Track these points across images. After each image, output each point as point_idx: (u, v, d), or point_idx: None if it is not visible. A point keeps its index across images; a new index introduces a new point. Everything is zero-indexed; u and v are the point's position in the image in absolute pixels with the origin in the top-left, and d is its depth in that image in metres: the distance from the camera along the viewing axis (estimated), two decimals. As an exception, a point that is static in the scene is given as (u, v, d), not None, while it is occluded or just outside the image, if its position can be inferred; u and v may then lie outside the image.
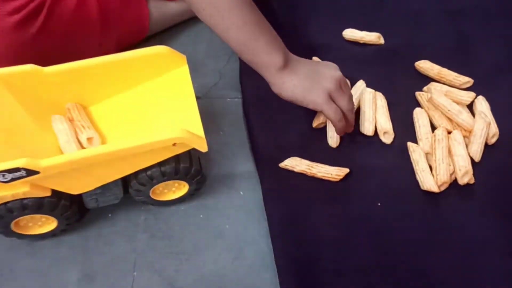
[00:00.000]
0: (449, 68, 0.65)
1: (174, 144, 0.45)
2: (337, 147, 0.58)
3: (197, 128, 0.48)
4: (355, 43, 0.71)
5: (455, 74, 0.65)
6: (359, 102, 0.61)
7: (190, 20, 0.74)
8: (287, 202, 0.54)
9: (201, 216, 0.54)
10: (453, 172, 0.55)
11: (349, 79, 0.62)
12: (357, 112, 0.61)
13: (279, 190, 0.55)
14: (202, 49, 0.72)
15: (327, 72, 0.54)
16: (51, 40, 0.59)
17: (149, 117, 0.52)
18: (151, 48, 0.51)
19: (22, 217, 0.46)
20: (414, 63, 0.68)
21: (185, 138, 0.44)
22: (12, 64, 0.50)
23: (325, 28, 0.73)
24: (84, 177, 0.46)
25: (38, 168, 0.41)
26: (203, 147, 0.46)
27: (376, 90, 0.63)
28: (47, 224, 0.49)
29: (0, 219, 0.46)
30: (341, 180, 0.55)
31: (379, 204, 0.54)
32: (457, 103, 0.60)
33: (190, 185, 0.52)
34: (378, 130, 0.60)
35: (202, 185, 0.53)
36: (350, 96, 0.56)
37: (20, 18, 0.55)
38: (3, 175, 0.41)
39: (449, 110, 0.58)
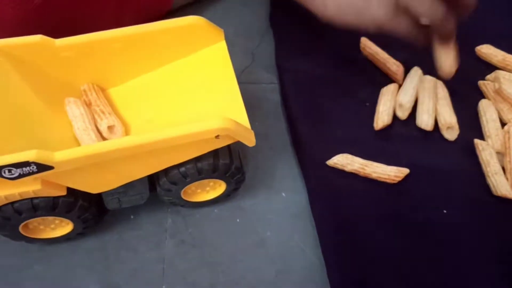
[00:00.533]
0: (516, 55, 0.58)
1: (217, 137, 0.37)
2: (392, 142, 0.50)
3: (241, 116, 0.40)
4: None
5: None
6: (416, 92, 0.53)
7: None
8: (338, 208, 0.46)
9: (237, 220, 0.46)
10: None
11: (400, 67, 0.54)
12: (415, 103, 0.53)
13: (328, 192, 0.46)
14: (232, 27, 0.62)
15: None
16: (58, 13, 0.50)
17: (182, 102, 0.44)
18: (183, 18, 0.42)
19: (32, 219, 0.39)
20: (474, 48, 0.60)
21: (231, 129, 0.36)
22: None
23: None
24: (105, 174, 0.38)
25: (52, 163, 0.34)
26: (250, 140, 0.38)
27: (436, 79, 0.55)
28: (61, 227, 0.42)
29: (6, 221, 0.38)
30: (399, 182, 0.47)
31: (445, 211, 0.46)
32: (529, 95, 0.52)
33: (228, 184, 0.44)
34: (440, 125, 0.52)
35: (241, 185, 0.46)
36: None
37: None
38: (9, 171, 0.33)
39: None
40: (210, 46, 0.44)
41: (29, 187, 0.36)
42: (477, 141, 0.50)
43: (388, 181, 0.47)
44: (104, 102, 0.43)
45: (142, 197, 0.43)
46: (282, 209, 0.47)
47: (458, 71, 0.56)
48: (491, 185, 0.47)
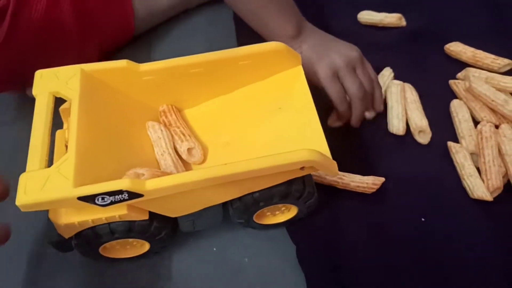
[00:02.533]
0: (485, 50, 0.55)
1: (301, 168, 0.36)
2: (365, 150, 0.49)
3: (321, 144, 0.39)
4: (373, 27, 0.61)
5: (493, 56, 0.55)
6: (385, 95, 0.52)
7: (181, 13, 0.64)
8: (315, 223, 0.44)
9: (214, 249, 0.44)
10: (505, 174, 0.45)
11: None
12: (385, 107, 0.52)
13: None
14: (201, 43, 0.61)
15: (342, 48, 0.49)
16: (19, 52, 0.49)
17: (258, 125, 0.43)
18: (264, 44, 0.42)
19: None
20: (443, 46, 0.58)
21: (317, 162, 0.35)
22: None
23: (338, 13, 0.63)
24: (187, 200, 0.38)
25: (142, 191, 0.34)
26: (334, 171, 0.38)
27: (403, 81, 0.53)
28: (140, 246, 0.42)
29: (87, 245, 0.39)
30: (376, 193, 0.46)
31: (423, 219, 0.45)
32: (501, 91, 0.50)
33: (300, 208, 0.44)
34: (412, 129, 0.50)
35: (314, 208, 0.45)
36: (362, 83, 0.48)
37: None
38: (103, 198, 0.34)
39: (492, 101, 0.49)
40: (288, 70, 0.44)
41: (116, 212, 0.36)
42: (450, 143, 0.49)
43: (366, 190, 0.46)
44: (183, 124, 0.43)
45: (216, 220, 0.43)
46: (258, 232, 0.45)
47: (428, 71, 0.56)
48: (467, 188, 0.45)
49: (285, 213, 0.45)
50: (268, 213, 0.44)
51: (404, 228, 0.44)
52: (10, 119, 0.56)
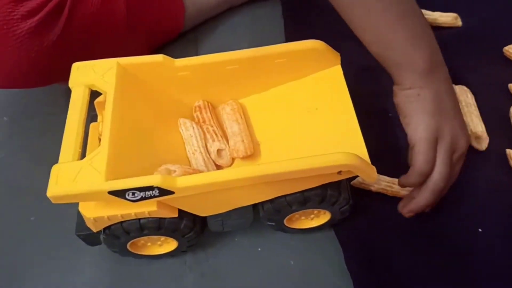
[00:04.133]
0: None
1: (339, 172, 0.35)
2: None
3: (360, 148, 0.37)
4: None
5: None
6: None
7: (226, 10, 0.63)
8: (365, 233, 0.42)
9: (259, 249, 0.43)
10: None
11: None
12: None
13: (354, 215, 0.42)
14: (245, 42, 0.60)
15: (458, 124, 0.40)
16: (72, 47, 0.48)
17: (295, 125, 0.42)
18: (302, 42, 0.41)
19: (139, 238, 0.40)
20: (501, 48, 0.54)
21: (355, 166, 0.33)
22: (21, 83, 0.45)
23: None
24: (217, 200, 0.37)
25: (174, 188, 0.33)
26: (371, 176, 0.35)
27: (457, 83, 0.50)
28: (167, 243, 0.42)
29: (115, 240, 0.39)
30: None
31: (480, 230, 0.42)
32: None
33: (333, 214, 0.42)
34: None
35: (348, 215, 0.43)
36: (450, 175, 0.39)
37: (37, 23, 0.44)
38: (133, 193, 0.33)
39: None
40: (326, 69, 0.42)
41: (146, 208, 0.36)
42: (509, 151, 0.45)
43: None
44: (216, 123, 0.43)
45: (246, 221, 0.42)
46: (305, 235, 0.43)
47: (485, 74, 0.52)
48: None
49: (318, 218, 0.43)
50: (301, 217, 0.43)
51: (459, 238, 0.42)
52: (60, 109, 0.57)
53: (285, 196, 0.39)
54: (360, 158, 0.34)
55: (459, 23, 0.58)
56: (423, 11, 0.57)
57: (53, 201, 0.33)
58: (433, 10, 0.59)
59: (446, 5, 0.59)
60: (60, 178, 0.33)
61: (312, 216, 0.43)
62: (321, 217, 0.43)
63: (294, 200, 0.39)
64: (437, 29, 0.58)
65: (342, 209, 0.41)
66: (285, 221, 0.42)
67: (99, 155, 0.34)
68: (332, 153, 0.34)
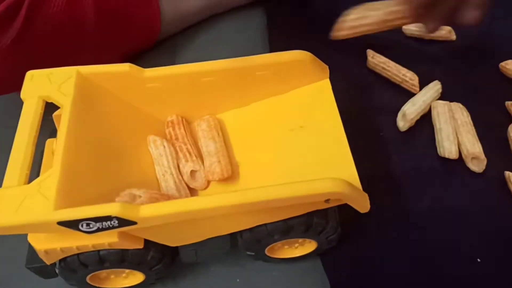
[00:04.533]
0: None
1: (326, 201, 0.31)
2: (407, 178, 0.42)
3: (350, 172, 0.33)
4: (419, 40, 0.55)
5: None
6: (429, 108, 0.47)
7: (208, 18, 0.59)
8: (353, 262, 0.39)
9: (237, 280, 0.39)
10: None
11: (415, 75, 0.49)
12: (430, 128, 0.46)
13: (341, 243, 0.38)
14: (227, 53, 0.54)
15: None
16: (33, 50, 0.44)
17: (277, 144, 0.38)
18: (288, 53, 0.37)
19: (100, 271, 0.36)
20: (498, 63, 0.52)
21: (345, 194, 0.29)
22: None
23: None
24: (190, 229, 0.33)
25: (136, 218, 0.29)
26: (363, 206, 0.32)
27: (452, 100, 0.47)
28: (132, 275, 0.37)
29: (72, 273, 0.34)
30: (424, 227, 0.39)
31: (479, 260, 0.38)
32: None
33: (319, 243, 0.38)
34: (463, 155, 0.44)
35: (335, 244, 0.39)
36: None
37: None
38: (88, 224, 0.29)
39: None
40: (313, 83, 0.38)
41: (105, 239, 0.31)
42: (508, 173, 0.42)
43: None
44: (191, 140, 0.38)
45: (222, 251, 0.38)
46: (289, 263, 0.39)
47: (481, 91, 0.50)
48: None
49: (302, 247, 0.39)
50: (283, 246, 0.39)
51: (456, 268, 0.38)
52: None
53: (266, 224, 0.35)
54: (351, 185, 0.30)
55: (453, 37, 0.55)
56: (417, 25, 0.55)
57: (-7, 233, 0.28)
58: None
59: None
60: (3, 207, 0.28)
61: (296, 245, 0.39)
62: (306, 246, 0.39)
63: (276, 229, 0.35)
64: (431, 43, 0.55)
65: (329, 238, 0.37)
66: (266, 251, 0.38)
67: (49, 179, 0.29)
68: (319, 179, 0.30)
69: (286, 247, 0.39)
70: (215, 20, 0.60)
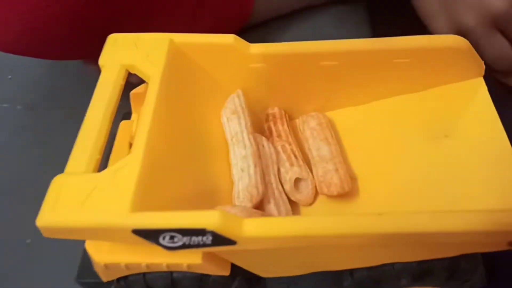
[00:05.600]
0: None
1: (510, 244, 0.22)
2: None
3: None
4: None
5: None
6: None
7: (304, 9, 0.51)
8: None
9: None
10: None
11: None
12: None
13: None
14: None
15: None
16: (120, 8, 0.36)
17: (412, 159, 0.28)
18: (439, 37, 0.27)
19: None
20: None
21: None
22: (41, 45, 0.33)
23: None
24: (294, 257, 0.25)
25: (237, 237, 0.21)
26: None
27: None
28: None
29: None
30: None
31: None
32: None
33: (455, 297, 0.29)
34: None
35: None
36: None
37: None
38: (172, 238, 0.21)
39: None
40: (463, 81, 0.29)
41: (185, 259, 0.23)
42: None
43: None
44: (295, 141, 0.30)
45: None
46: None
47: None
48: None
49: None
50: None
51: None
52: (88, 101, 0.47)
53: (393, 264, 0.26)
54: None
55: None
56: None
57: (44, 235, 0.20)
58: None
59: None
60: (62, 199, 0.21)
61: None
62: None
63: (406, 271, 0.25)
64: None
65: None
66: None
67: (127, 168, 0.22)
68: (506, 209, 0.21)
69: (406, 294, 0.30)
70: (311, 12, 0.52)
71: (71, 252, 0.29)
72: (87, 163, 0.22)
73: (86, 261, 0.27)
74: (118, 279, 0.26)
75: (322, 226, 0.20)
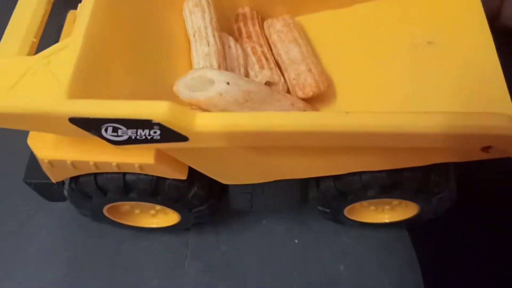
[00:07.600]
0: None
1: (485, 149, 0.21)
2: None
3: (507, 106, 0.23)
4: None
5: None
6: None
7: None
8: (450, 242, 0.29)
9: (296, 241, 0.30)
10: None
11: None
12: None
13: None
14: None
15: None
16: None
17: (394, 66, 0.26)
18: None
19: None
20: None
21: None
22: None
23: None
24: (256, 162, 0.23)
25: (189, 131, 0.18)
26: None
27: None
28: (164, 215, 0.28)
29: (85, 200, 0.25)
30: None
31: None
32: None
33: (422, 210, 0.27)
34: None
35: (444, 213, 0.28)
36: None
37: None
38: (115, 130, 0.19)
39: None
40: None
41: (136, 159, 0.22)
42: None
43: None
44: (266, 42, 0.27)
45: (287, 202, 0.29)
46: (359, 232, 0.30)
47: None
48: None
49: (393, 212, 0.29)
50: (369, 207, 0.29)
51: None
52: None
53: (360, 173, 0.25)
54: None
55: None
56: None
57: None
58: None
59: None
60: (-9, 82, 0.19)
61: (387, 207, 0.29)
62: (398, 212, 0.29)
63: (374, 182, 0.25)
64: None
65: (439, 205, 0.27)
66: (345, 210, 0.29)
67: (64, 52, 0.19)
68: (479, 112, 0.19)
69: (372, 208, 0.29)
70: None
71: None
72: (20, 45, 0.20)
73: (34, 161, 0.25)
74: (70, 180, 0.25)
75: (282, 122, 0.19)
